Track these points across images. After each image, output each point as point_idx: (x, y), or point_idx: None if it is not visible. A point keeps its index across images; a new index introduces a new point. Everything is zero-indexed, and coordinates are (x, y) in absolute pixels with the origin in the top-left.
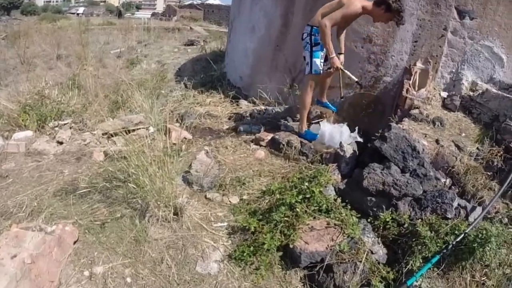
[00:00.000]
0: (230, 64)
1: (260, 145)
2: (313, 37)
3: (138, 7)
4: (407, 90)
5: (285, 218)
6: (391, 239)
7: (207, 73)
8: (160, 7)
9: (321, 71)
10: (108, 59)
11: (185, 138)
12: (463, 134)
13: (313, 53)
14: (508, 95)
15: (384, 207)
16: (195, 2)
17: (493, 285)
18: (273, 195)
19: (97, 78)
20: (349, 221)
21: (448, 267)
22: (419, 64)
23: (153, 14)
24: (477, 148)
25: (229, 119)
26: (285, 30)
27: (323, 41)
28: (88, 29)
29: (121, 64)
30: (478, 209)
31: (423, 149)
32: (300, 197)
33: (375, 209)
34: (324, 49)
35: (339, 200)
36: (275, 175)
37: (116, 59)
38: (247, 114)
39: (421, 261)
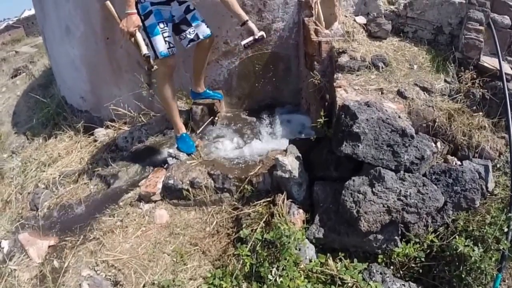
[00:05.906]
0: (63, 85)
1: (154, 201)
2: (139, 5)
3: None
4: (316, 31)
5: None
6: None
7: (43, 109)
8: None
9: (172, 51)
10: None
11: (49, 246)
12: (415, 67)
13: (148, 29)
14: None
15: (396, 238)
16: (10, 22)
17: None
18: None
19: None
20: None
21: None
22: None
23: None
24: (445, 80)
25: (93, 170)
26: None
27: None
28: None
29: None
30: (489, 165)
31: (412, 124)
32: None
33: (384, 245)
34: (165, 15)
35: (331, 263)
36: (202, 245)
37: None
38: (107, 154)
39: None
